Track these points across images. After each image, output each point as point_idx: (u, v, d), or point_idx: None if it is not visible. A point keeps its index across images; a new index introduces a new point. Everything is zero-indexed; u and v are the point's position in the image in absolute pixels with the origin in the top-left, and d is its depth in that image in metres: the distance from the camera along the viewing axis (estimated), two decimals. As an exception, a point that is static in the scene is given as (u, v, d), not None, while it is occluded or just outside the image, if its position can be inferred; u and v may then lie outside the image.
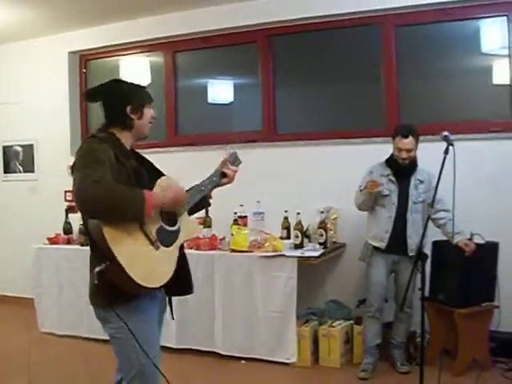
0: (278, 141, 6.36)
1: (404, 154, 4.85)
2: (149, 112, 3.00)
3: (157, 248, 2.76)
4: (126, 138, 2.94)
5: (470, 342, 4.95)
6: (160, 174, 3.02)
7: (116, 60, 7.40)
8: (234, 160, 3.33)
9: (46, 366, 5.46)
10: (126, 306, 2.76)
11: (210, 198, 3.28)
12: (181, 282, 3.05)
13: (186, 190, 3.00)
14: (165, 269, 2.81)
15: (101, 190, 2.53)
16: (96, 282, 2.69)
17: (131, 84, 3.08)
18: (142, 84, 3.12)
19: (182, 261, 3.04)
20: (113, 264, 2.58)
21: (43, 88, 7.61)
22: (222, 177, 3.19)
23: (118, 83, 3.10)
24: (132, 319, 2.79)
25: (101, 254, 2.64)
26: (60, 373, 5.26)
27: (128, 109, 2.92)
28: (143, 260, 2.68)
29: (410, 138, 4.82)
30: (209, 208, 3.44)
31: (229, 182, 3.23)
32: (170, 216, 2.89)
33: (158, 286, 2.74)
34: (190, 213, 3.11)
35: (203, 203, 3.23)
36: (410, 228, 4.89)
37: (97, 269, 2.66)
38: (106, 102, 3.00)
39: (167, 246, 2.83)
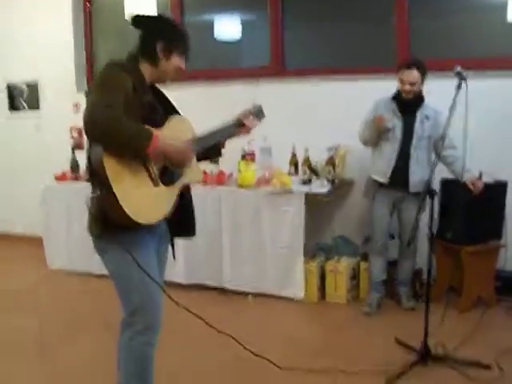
0: (287, 76, 6.28)
1: (407, 87, 4.74)
2: (177, 60, 2.91)
3: (156, 185, 2.74)
4: (148, 73, 2.87)
5: (476, 280, 4.98)
6: (176, 113, 2.99)
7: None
8: (258, 113, 3.27)
9: (56, 302, 5.53)
10: (122, 235, 2.74)
11: (223, 147, 3.21)
12: (184, 225, 3.08)
13: (200, 138, 2.97)
14: (160, 207, 2.79)
15: (109, 115, 2.50)
16: (91, 209, 2.72)
17: (175, 26, 2.99)
18: (187, 34, 3.01)
19: (187, 204, 3.05)
20: (108, 193, 2.57)
21: (48, 25, 7.48)
22: (240, 126, 3.14)
23: (165, 19, 3.01)
24: (131, 248, 2.77)
25: (98, 182, 2.63)
26: (70, 309, 5.34)
27: (159, 45, 2.85)
28: (139, 194, 2.66)
29: (414, 70, 4.70)
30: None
31: (245, 133, 3.18)
32: None
33: (149, 222, 2.70)
34: (199, 159, 3.08)
35: (215, 152, 3.19)
36: (413, 164, 4.84)
37: (91, 195, 2.69)
38: (143, 31, 2.92)
39: (167, 185, 2.81)
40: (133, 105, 2.66)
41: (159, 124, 2.80)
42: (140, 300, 2.85)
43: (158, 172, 2.75)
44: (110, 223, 2.70)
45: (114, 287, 2.94)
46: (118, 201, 2.55)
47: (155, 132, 2.62)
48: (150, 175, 2.71)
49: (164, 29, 2.91)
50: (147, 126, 2.64)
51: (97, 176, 2.62)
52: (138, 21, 2.93)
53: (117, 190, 2.55)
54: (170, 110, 2.97)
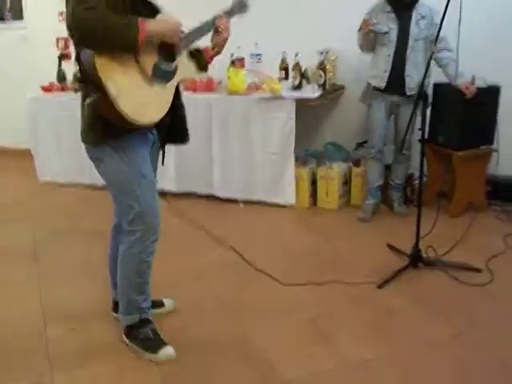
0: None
1: None
2: None
3: (150, 85, 2.69)
4: None
5: (467, 185, 5.00)
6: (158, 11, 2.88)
7: None
8: (240, 6, 3.12)
9: (48, 213, 5.53)
10: (117, 140, 2.72)
11: (209, 62, 3.08)
12: (176, 130, 3.03)
13: (187, 33, 2.87)
14: (157, 106, 2.74)
15: (94, 15, 2.42)
16: (87, 114, 2.68)
17: None
18: None
19: (178, 109, 3.00)
20: (103, 96, 2.53)
21: None
22: (215, 31, 2.99)
23: None
24: (126, 154, 2.76)
25: (91, 85, 2.59)
26: (61, 219, 5.34)
27: None
28: (135, 94, 2.61)
29: None
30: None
31: (226, 38, 3.00)
32: (167, 54, 2.78)
33: (147, 122, 2.69)
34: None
35: (197, 57, 3.04)
36: (409, 66, 4.75)
37: (87, 100, 2.64)
38: None
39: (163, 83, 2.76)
40: (116, 4, 2.55)
41: None
42: (139, 207, 2.85)
43: (151, 71, 2.68)
44: (104, 129, 2.67)
45: (112, 195, 2.94)
46: (112, 101, 2.51)
47: (141, 19, 2.54)
48: (142, 74, 2.65)
49: None
50: (131, 16, 2.56)
51: (89, 80, 2.58)
52: None
53: (111, 89, 2.50)
54: (155, 11, 2.83)
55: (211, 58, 3.08)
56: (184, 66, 2.90)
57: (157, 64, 2.72)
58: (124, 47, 2.54)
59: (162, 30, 2.67)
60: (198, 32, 2.93)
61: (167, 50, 2.78)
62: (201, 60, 3.04)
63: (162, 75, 2.75)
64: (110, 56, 2.52)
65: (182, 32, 2.82)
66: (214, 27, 2.97)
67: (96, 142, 2.77)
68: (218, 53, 3.07)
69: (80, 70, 2.67)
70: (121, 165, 2.76)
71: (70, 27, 2.45)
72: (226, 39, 3.01)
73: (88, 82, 2.62)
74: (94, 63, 2.48)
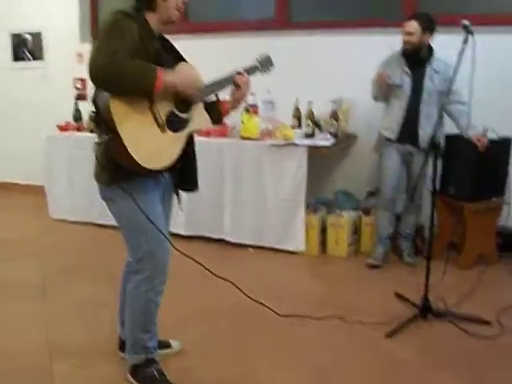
0: (291, 29, 6.18)
1: (405, 37, 4.74)
2: None
3: (163, 131, 2.74)
4: (153, 20, 2.80)
5: (478, 237, 4.98)
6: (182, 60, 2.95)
7: None
8: (266, 63, 3.21)
9: (58, 250, 5.54)
10: (129, 182, 2.75)
11: (225, 115, 3.12)
12: (186, 178, 3.07)
13: (207, 84, 2.92)
14: (167, 153, 2.77)
15: (114, 60, 2.49)
16: (99, 155, 2.73)
17: None
18: None
19: (190, 158, 3.04)
20: (115, 139, 2.57)
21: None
22: (235, 85, 3.03)
23: None
24: (138, 196, 2.78)
25: (104, 127, 2.63)
26: (71, 257, 5.35)
27: None
28: (146, 139, 2.66)
29: (413, 21, 4.69)
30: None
31: (244, 94, 3.04)
32: (184, 103, 2.83)
33: (156, 168, 2.70)
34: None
35: (215, 113, 3.07)
36: (422, 119, 4.80)
37: (98, 140, 2.70)
38: None
39: (175, 132, 2.80)
40: (139, 53, 2.64)
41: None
42: (148, 247, 2.88)
43: (164, 118, 2.74)
44: (117, 170, 2.71)
45: (122, 234, 2.97)
46: (124, 145, 2.55)
47: (160, 68, 2.60)
48: (156, 120, 2.71)
49: None
50: (151, 64, 2.62)
51: (103, 121, 2.63)
52: None
53: (123, 134, 2.56)
54: (178, 59, 2.92)
55: (228, 112, 3.12)
56: (199, 117, 2.94)
57: (172, 111, 2.78)
58: (139, 94, 2.60)
59: (180, 83, 2.72)
60: (217, 85, 2.98)
61: (184, 99, 2.82)
62: (217, 112, 3.07)
63: (177, 123, 2.80)
64: (125, 100, 2.59)
65: (201, 85, 2.86)
66: (234, 83, 3.02)
67: (108, 182, 2.81)
68: (235, 108, 3.12)
69: (95, 110, 2.72)
70: (132, 206, 2.78)
71: (90, 68, 2.52)
72: (245, 95, 3.06)
73: (102, 123, 2.66)
74: (108, 106, 2.55)
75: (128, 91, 2.57)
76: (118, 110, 2.56)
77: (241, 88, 3.02)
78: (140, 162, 2.60)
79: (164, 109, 2.74)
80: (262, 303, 3.64)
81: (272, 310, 3.75)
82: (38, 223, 6.40)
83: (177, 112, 2.81)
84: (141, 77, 2.55)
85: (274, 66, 3.25)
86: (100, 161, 2.78)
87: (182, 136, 2.84)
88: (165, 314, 3.17)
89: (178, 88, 2.73)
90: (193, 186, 3.13)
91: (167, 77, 2.63)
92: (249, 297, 3.54)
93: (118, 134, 2.56)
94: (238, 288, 3.39)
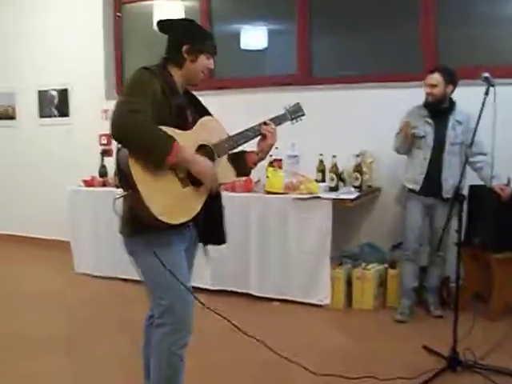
0: (314, 84, 6.29)
1: (427, 89, 4.82)
2: (204, 61, 2.91)
3: (184, 186, 2.76)
4: (178, 77, 2.89)
5: (505, 287, 4.95)
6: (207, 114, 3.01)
7: (150, 4, 7.32)
8: (297, 111, 3.26)
9: (83, 305, 5.59)
10: (151, 235, 2.76)
11: (252, 167, 3.12)
12: (214, 231, 3.07)
13: (231, 136, 2.99)
14: (187, 207, 2.79)
15: (132, 120, 2.56)
16: (122, 207, 2.80)
17: (200, 28, 3.02)
18: (213, 35, 3.02)
19: (218, 211, 3.05)
20: (134, 193, 2.61)
21: (78, 32, 7.60)
22: (261, 136, 3.07)
23: (189, 22, 3.03)
24: (160, 249, 2.79)
25: (125, 182, 2.67)
26: (96, 312, 5.39)
27: (185, 48, 2.87)
28: (165, 194, 2.69)
29: (436, 74, 4.78)
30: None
31: (271, 144, 3.06)
32: (207, 157, 2.85)
33: (175, 222, 2.72)
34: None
35: (243, 167, 3.09)
36: (445, 170, 4.84)
37: (117, 195, 2.73)
38: (170, 35, 2.97)
39: (196, 186, 2.81)
40: (161, 108, 2.71)
41: (188, 127, 2.83)
42: (169, 301, 2.87)
43: (185, 172, 2.76)
44: (139, 224, 2.74)
45: (146, 287, 2.97)
46: (143, 200, 2.59)
47: (177, 145, 2.63)
48: (176, 175, 2.73)
49: (188, 31, 2.94)
50: (171, 132, 2.66)
51: (124, 176, 2.66)
52: (163, 25, 2.99)
53: (142, 189, 2.59)
54: (203, 114, 2.98)
55: (254, 164, 3.12)
56: (223, 170, 2.96)
57: None
58: (151, 160, 2.63)
59: (192, 166, 2.74)
60: (243, 137, 3.02)
61: (207, 151, 2.86)
62: (243, 163, 3.08)
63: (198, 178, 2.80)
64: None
65: (224, 139, 2.92)
66: (260, 133, 3.05)
67: (130, 234, 2.85)
68: (262, 159, 3.13)
69: (117, 164, 2.75)
70: (153, 259, 2.79)
71: (112, 125, 2.60)
72: (272, 145, 3.08)
73: (123, 177, 2.70)
74: (128, 162, 2.59)
75: (143, 154, 2.62)
76: (138, 166, 2.60)
77: (267, 138, 3.04)
78: (159, 217, 2.62)
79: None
80: (295, 362, 3.59)
81: (307, 369, 3.66)
82: (62, 277, 6.48)
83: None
84: (156, 146, 2.60)
85: (305, 114, 3.28)
86: (123, 214, 2.84)
87: (203, 190, 2.85)
88: (190, 368, 3.13)
89: (189, 169, 2.75)
90: (220, 239, 3.12)
91: (183, 154, 2.67)
92: (281, 356, 3.49)
93: (137, 189, 2.59)
94: (268, 347, 3.37)
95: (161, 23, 3.00)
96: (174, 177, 2.73)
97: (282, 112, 3.21)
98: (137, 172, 2.60)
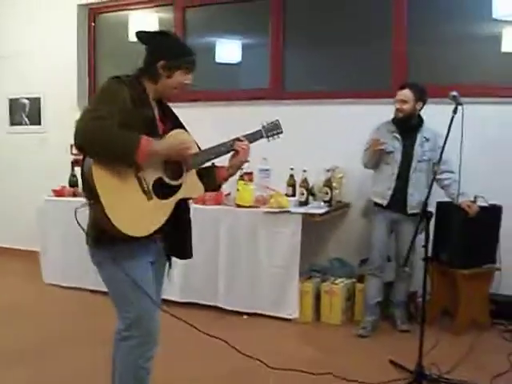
0: (286, 99, 6.34)
1: (397, 104, 4.90)
2: (180, 77, 2.87)
3: (149, 199, 2.74)
4: (151, 89, 2.88)
5: (471, 303, 5.01)
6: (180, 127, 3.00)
7: (125, 15, 7.34)
8: (274, 128, 3.23)
9: (51, 316, 5.54)
10: (116, 247, 2.75)
11: (222, 182, 3.12)
12: (180, 245, 3.06)
13: (203, 150, 2.98)
14: (151, 220, 2.76)
15: (97, 125, 2.54)
16: (89, 218, 2.79)
17: (179, 44, 2.99)
18: (192, 50, 2.97)
19: (185, 224, 3.04)
20: (96, 203, 2.60)
21: (52, 41, 7.57)
22: (234, 151, 3.06)
23: (168, 37, 3.00)
24: (125, 261, 2.78)
25: (89, 192, 2.66)
26: (64, 323, 5.34)
27: (160, 63, 2.84)
28: (128, 206, 2.67)
29: (406, 90, 4.88)
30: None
31: (242, 161, 3.07)
32: (175, 170, 2.85)
33: (138, 235, 2.69)
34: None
35: (212, 181, 3.09)
36: (411, 186, 4.92)
37: (79, 205, 2.76)
38: (148, 47, 2.94)
39: (163, 199, 2.80)
40: (130, 117, 2.68)
41: (156, 137, 2.80)
42: (135, 314, 2.85)
43: (151, 184, 2.75)
44: (104, 235, 2.72)
45: (112, 300, 2.95)
46: (105, 211, 2.58)
47: (144, 138, 2.62)
48: (141, 187, 2.72)
49: (166, 47, 2.90)
50: (135, 133, 2.65)
51: (87, 186, 2.65)
52: (142, 36, 2.97)
53: (104, 200, 2.58)
54: (176, 127, 2.96)
55: (224, 179, 3.11)
56: (191, 185, 2.94)
57: (160, 178, 2.79)
58: (121, 162, 2.62)
59: (167, 151, 2.75)
60: (214, 152, 3.00)
61: (175, 166, 2.85)
62: (212, 178, 3.08)
63: (165, 190, 2.80)
64: (108, 167, 2.61)
65: (192, 151, 2.89)
66: (233, 148, 3.04)
67: (95, 245, 2.84)
68: (232, 174, 3.13)
69: (81, 174, 2.74)
70: (117, 271, 2.77)
71: (75, 132, 2.58)
72: (243, 162, 3.08)
73: (87, 188, 2.69)
74: (91, 172, 2.58)
75: (111, 158, 2.60)
76: (101, 177, 2.58)
77: (239, 154, 3.04)
78: (120, 229, 2.61)
79: (151, 175, 2.75)
80: (255, 358, 3.62)
81: (265, 364, 3.70)
82: (31, 288, 6.41)
83: (166, 179, 2.80)
84: (123, 146, 2.57)
85: (283, 132, 3.26)
86: (88, 225, 2.82)
87: (169, 203, 2.83)
88: (157, 381, 3.14)
89: (165, 156, 2.76)
90: (186, 254, 3.10)
91: (152, 146, 2.65)
92: (242, 353, 3.50)
93: (99, 200, 2.58)
94: (233, 347, 3.38)
95: (140, 34, 2.97)
96: (138, 189, 2.71)
97: (258, 128, 3.20)
98: (100, 182, 2.58)
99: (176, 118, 3.06)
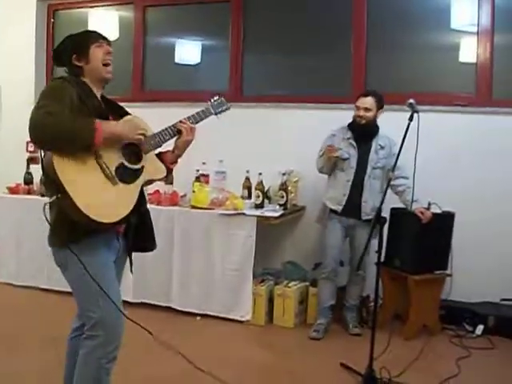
0: (244, 102, 6.34)
1: (361, 112, 4.94)
2: (96, 54, 2.92)
3: (114, 184, 2.75)
4: (89, 82, 2.92)
5: (422, 308, 5.07)
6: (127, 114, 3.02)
7: (85, 12, 7.28)
8: (220, 105, 3.31)
9: (1, 315, 5.44)
10: (78, 245, 2.74)
11: (169, 166, 3.13)
12: (143, 238, 3.07)
13: (156, 133, 3.00)
14: (121, 204, 2.77)
15: (51, 119, 2.55)
16: (51, 217, 2.77)
17: (74, 34, 3.02)
18: (89, 29, 3.06)
19: (145, 216, 3.06)
20: (64, 196, 2.58)
21: (10, 36, 7.44)
22: (178, 133, 3.10)
23: (63, 42, 3.04)
24: (88, 261, 2.76)
25: (52, 187, 2.65)
26: (15, 323, 5.22)
27: (74, 58, 2.92)
28: (96, 193, 2.67)
29: (369, 98, 4.93)
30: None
31: (186, 140, 3.09)
32: (134, 154, 2.88)
33: (109, 221, 2.70)
34: None
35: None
36: (366, 193, 4.98)
37: (48, 201, 2.72)
38: (62, 60, 3.00)
39: (127, 183, 2.81)
40: (80, 112, 2.70)
41: None
42: (100, 314, 2.83)
43: (114, 170, 2.76)
44: (66, 234, 2.72)
45: (75, 299, 2.93)
46: (72, 200, 2.56)
47: (98, 120, 2.66)
48: (104, 173, 2.72)
49: (67, 44, 2.98)
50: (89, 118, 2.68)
51: (50, 181, 2.64)
52: (55, 57, 3.06)
53: (70, 190, 2.57)
54: (124, 115, 2.98)
55: (171, 163, 3.13)
56: (152, 166, 2.98)
57: (121, 163, 2.80)
58: (81, 148, 2.63)
59: (122, 130, 2.78)
60: (163, 134, 3.02)
61: (133, 149, 2.87)
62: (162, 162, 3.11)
63: (129, 175, 2.82)
64: (69, 157, 2.61)
65: (145, 131, 2.93)
66: (177, 129, 3.08)
67: (57, 245, 2.81)
68: (179, 156, 3.14)
69: (42, 170, 2.72)
70: (81, 270, 2.75)
71: (29, 128, 2.59)
72: (187, 141, 3.09)
73: (50, 183, 2.67)
74: (52, 165, 2.57)
75: (69, 147, 2.61)
76: (63, 168, 2.58)
77: (182, 133, 3.08)
78: (92, 217, 2.60)
79: (113, 161, 2.77)
80: (212, 375, 3.61)
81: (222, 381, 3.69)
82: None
83: (126, 163, 2.82)
84: (79, 130, 2.59)
85: (230, 108, 3.37)
86: (51, 223, 2.79)
87: (135, 187, 2.86)
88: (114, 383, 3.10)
89: (121, 136, 2.78)
90: (151, 244, 3.14)
91: (107, 127, 2.69)
92: (194, 365, 3.52)
93: (64, 190, 2.56)
94: (184, 356, 3.38)
95: (54, 55, 3.07)
96: (102, 175, 2.71)
97: (205, 107, 3.26)
98: (63, 173, 2.58)
99: (122, 108, 3.08)
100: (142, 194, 2.97)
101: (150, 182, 3.02)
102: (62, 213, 2.71)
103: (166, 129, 3.06)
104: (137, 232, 3.01)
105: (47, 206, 2.77)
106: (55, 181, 2.59)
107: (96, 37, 2.97)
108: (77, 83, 2.83)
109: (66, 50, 2.95)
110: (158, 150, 3.08)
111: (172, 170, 3.19)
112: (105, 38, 3.00)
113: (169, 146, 3.11)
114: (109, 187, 2.73)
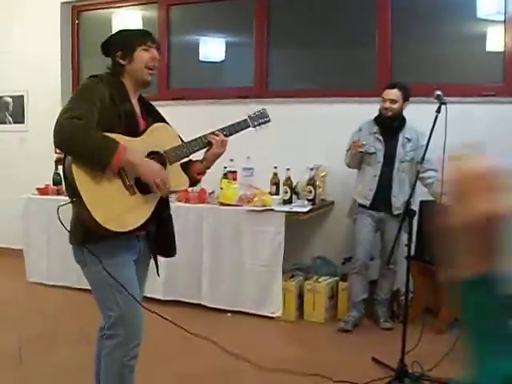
0: (270, 97, 6.32)
1: (387, 104, 4.90)
2: (142, 56, 2.88)
3: (132, 193, 2.75)
4: (128, 84, 2.89)
5: (453, 302, 5.02)
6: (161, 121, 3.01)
7: (109, 13, 7.32)
8: (261, 117, 3.28)
9: (34, 315, 5.49)
10: (98, 245, 2.75)
11: (195, 176, 3.10)
12: (164, 243, 3.06)
13: (185, 143, 2.98)
14: (135, 215, 2.77)
15: (75, 127, 2.56)
16: (72, 217, 2.79)
17: (127, 30, 3.06)
18: (143, 30, 3.04)
19: (166, 221, 3.04)
20: (79, 200, 2.60)
21: (35, 39, 7.50)
22: (208, 145, 3.05)
23: (117, 32, 3.06)
24: (106, 259, 2.77)
25: (70, 190, 2.68)
26: (47, 322, 5.30)
27: (118, 55, 2.89)
28: (111, 202, 2.67)
29: (395, 90, 4.89)
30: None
31: (217, 153, 3.04)
32: (159, 162, 2.85)
33: (122, 230, 2.70)
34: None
35: (187, 173, 3.07)
36: (395, 187, 4.95)
37: (62, 203, 2.74)
38: (109, 53, 2.97)
39: (146, 193, 2.80)
40: (110, 114, 2.71)
41: (139, 134, 2.82)
42: (119, 313, 2.85)
43: (133, 180, 2.75)
44: (86, 233, 2.73)
45: (95, 298, 2.95)
46: (86, 207, 2.58)
47: (122, 147, 2.62)
48: (124, 183, 2.72)
49: (115, 39, 2.97)
50: (115, 137, 2.65)
51: (68, 184, 2.67)
52: (103, 47, 3.01)
53: (85, 196, 2.59)
54: (158, 120, 2.98)
55: (198, 174, 3.10)
56: (176, 178, 2.94)
57: None
58: (95, 165, 2.62)
59: (140, 170, 2.72)
60: (190, 146, 3.00)
61: (158, 158, 2.86)
62: (189, 173, 3.06)
63: (147, 185, 2.78)
64: (88, 164, 2.62)
65: (173, 147, 2.91)
66: (207, 141, 3.04)
67: (77, 243, 2.84)
68: (207, 167, 3.10)
69: (63, 172, 2.76)
70: (99, 269, 2.77)
71: (54, 132, 2.60)
72: (217, 154, 3.05)
73: (68, 185, 2.70)
74: (71, 170, 2.59)
75: (85, 160, 2.61)
76: (81, 174, 2.60)
77: (212, 146, 3.03)
78: (104, 225, 2.61)
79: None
80: (244, 358, 3.60)
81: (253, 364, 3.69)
82: (14, 286, 6.37)
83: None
84: (99, 149, 2.58)
85: (270, 120, 3.32)
86: (71, 223, 2.82)
87: (154, 197, 2.83)
88: (140, 379, 3.13)
89: (138, 171, 2.72)
90: (170, 251, 3.12)
91: (130, 156, 2.65)
92: (235, 356, 3.50)
93: (80, 197, 2.58)
94: (224, 349, 3.38)
95: (102, 47, 3.02)
96: (120, 184, 2.71)
97: (243, 118, 3.22)
98: (80, 179, 2.59)
99: (158, 113, 3.07)
100: (165, 199, 2.96)
101: (170, 192, 2.99)
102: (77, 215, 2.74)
103: (196, 139, 3.03)
104: (157, 238, 3.01)
105: (61, 208, 2.77)
106: (71, 184, 2.62)
107: (145, 39, 2.92)
108: (112, 83, 2.82)
109: (114, 44, 2.94)
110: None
111: (199, 180, 3.19)
112: (154, 42, 2.96)
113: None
114: (125, 197, 2.73)
